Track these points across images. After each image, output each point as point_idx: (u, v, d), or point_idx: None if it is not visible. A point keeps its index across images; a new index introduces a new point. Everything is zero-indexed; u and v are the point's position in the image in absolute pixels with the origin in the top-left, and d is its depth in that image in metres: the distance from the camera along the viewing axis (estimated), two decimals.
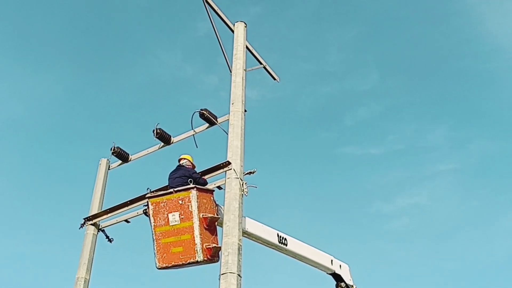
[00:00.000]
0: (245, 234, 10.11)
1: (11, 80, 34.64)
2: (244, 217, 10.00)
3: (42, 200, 31.30)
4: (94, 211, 10.73)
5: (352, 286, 13.31)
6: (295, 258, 11.75)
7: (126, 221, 10.31)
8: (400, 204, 35.40)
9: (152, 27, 38.19)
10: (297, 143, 37.47)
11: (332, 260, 12.72)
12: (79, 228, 10.57)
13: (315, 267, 12.44)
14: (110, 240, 10.60)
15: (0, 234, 29.38)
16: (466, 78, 38.81)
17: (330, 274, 12.97)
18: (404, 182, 36.12)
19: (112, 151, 11.18)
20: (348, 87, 39.52)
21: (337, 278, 13.06)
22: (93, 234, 10.48)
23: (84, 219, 10.62)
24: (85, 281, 10.00)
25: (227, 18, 11.50)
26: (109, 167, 11.46)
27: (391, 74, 39.97)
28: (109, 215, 10.44)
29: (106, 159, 11.48)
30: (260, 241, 10.70)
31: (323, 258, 12.44)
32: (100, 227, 10.61)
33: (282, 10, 40.67)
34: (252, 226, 10.38)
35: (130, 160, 11.39)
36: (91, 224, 10.55)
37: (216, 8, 11.36)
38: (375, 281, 27.43)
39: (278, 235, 11.12)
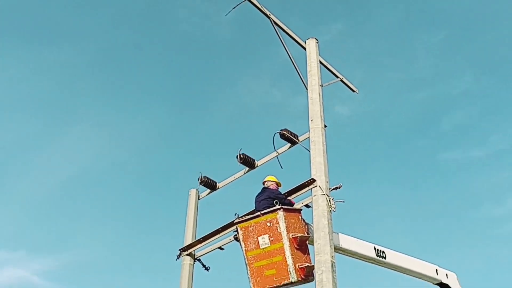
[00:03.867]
0: (340, 250, 9.93)
1: (113, 126, 36.56)
2: (337, 233, 9.84)
3: (144, 237, 32.49)
4: (188, 241, 10.91)
5: None
6: (396, 270, 11.35)
7: (220, 248, 10.39)
8: None
9: (237, 58, 38.93)
10: (395, 154, 36.68)
11: (437, 270, 12.19)
12: (176, 260, 10.78)
13: (419, 278, 11.95)
14: (207, 269, 10.70)
15: (107, 270, 30.90)
16: None
17: (436, 284, 12.45)
18: None
19: (199, 181, 11.39)
20: (441, 91, 38.32)
21: None
22: (190, 264, 10.64)
23: (180, 250, 10.82)
24: None
25: (304, 38, 11.49)
26: (198, 196, 11.67)
27: (486, 73, 38.33)
28: (202, 244, 10.56)
29: (195, 189, 11.69)
30: (356, 257, 10.45)
31: (426, 269, 11.95)
32: (195, 256, 10.76)
33: (363, 23, 40.30)
34: (347, 241, 10.16)
35: (218, 188, 11.54)
36: (187, 255, 10.73)
37: (286, 28, 11.40)
38: None
39: (375, 248, 10.80)
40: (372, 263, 10.84)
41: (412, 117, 38.11)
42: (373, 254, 10.72)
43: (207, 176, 11.46)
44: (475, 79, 38.11)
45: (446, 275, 12.43)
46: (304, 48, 11.38)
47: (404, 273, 11.54)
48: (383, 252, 10.95)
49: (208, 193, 11.64)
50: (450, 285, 12.44)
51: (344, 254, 10.17)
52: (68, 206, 33.53)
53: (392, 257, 11.13)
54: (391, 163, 36.14)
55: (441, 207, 33.94)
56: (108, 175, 35.55)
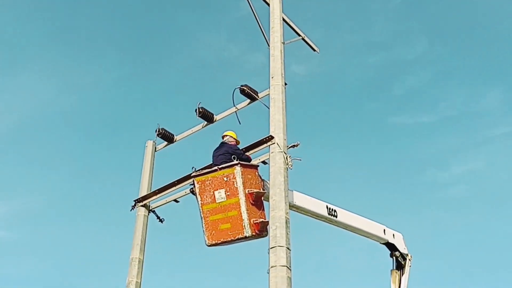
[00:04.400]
0: (294, 207, 10.10)
1: (62, 74, 35.63)
2: (292, 191, 9.99)
3: (96, 187, 32.23)
4: (144, 192, 10.89)
5: (407, 254, 13.18)
6: (346, 229, 11.68)
7: (175, 200, 10.41)
8: (456, 171, 34.68)
9: (195, 10, 38.18)
10: (346, 115, 37.11)
11: (384, 230, 12.60)
12: (130, 210, 10.76)
13: (368, 237, 12.36)
14: (161, 221, 10.74)
15: (59, 220, 30.63)
16: None
17: (383, 244, 12.88)
18: (459, 149, 35.30)
19: (157, 133, 11.31)
20: (395, 56, 38.70)
21: (391, 247, 12.97)
22: (144, 215, 10.65)
23: (135, 201, 10.79)
24: (139, 261, 10.22)
25: None
26: (155, 148, 11.60)
27: (440, 40, 38.79)
28: (158, 196, 10.57)
29: (152, 141, 11.61)
30: (309, 214, 10.68)
31: (375, 228, 12.34)
32: (150, 208, 10.77)
33: None
34: (300, 199, 10.35)
35: (175, 141, 11.48)
36: (142, 206, 10.71)
37: None
38: (432, 250, 27.15)
39: (327, 207, 11.05)
40: (323, 221, 11.10)
41: (366, 80, 38.46)
42: (325, 213, 10.96)
43: (164, 128, 11.38)
44: (429, 45, 38.68)
45: (393, 235, 12.86)
46: (268, 4, 11.27)
47: (353, 232, 11.88)
48: (335, 211, 11.22)
49: (165, 146, 11.56)
50: (396, 244, 12.90)
51: (297, 212, 10.36)
52: (16, 153, 32.83)
53: (343, 216, 11.42)
54: (343, 125, 36.66)
55: (390, 171, 34.77)
56: (59, 123, 34.79)
